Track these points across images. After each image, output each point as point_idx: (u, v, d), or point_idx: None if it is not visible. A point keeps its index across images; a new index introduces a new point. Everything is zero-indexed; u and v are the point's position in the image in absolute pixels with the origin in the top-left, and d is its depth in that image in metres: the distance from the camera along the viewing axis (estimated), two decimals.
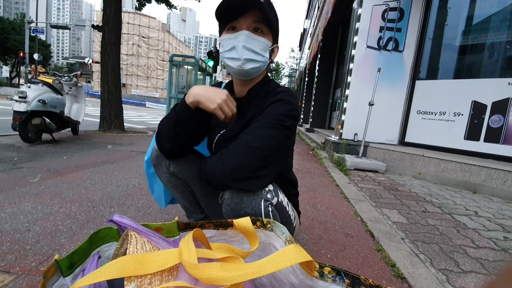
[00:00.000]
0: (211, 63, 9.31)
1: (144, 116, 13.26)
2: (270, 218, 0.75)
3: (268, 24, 0.81)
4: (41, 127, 3.41)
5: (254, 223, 0.53)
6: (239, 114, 0.87)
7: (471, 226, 1.82)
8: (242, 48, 0.78)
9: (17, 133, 3.29)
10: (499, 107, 3.15)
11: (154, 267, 0.37)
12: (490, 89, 3.24)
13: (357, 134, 4.03)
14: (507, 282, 0.15)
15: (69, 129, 4.30)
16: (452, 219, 1.95)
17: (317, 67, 8.77)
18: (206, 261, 0.39)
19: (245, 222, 0.51)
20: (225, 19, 0.82)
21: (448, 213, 2.06)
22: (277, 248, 0.49)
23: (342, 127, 4.12)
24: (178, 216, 1.53)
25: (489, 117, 3.22)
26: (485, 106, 3.25)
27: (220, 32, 0.87)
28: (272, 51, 0.88)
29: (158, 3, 6.77)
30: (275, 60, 0.93)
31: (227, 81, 1.06)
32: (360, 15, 3.94)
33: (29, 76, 18.00)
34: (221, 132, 0.90)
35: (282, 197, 0.84)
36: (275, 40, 0.87)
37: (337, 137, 4.18)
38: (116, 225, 0.50)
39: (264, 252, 0.51)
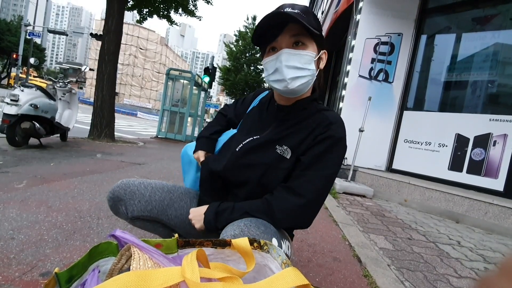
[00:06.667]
0: (207, 79, 9.45)
1: (135, 126, 13.14)
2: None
3: (309, 33, 0.74)
4: (30, 132, 3.34)
5: (251, 243, 0.55)
6: (279, 121, 0.82)
7: (454, 256, 1.87)
8: (285, 68, 0.73)
9: (4, 135, 3.21)
10: (481, 141, 3.32)
11: (156, 284, 0.38)
12: (472, 124, 3.42)
13: (346, 158, 4.11)
14: (503, 278, 0.17)
15: (58, 135, 4.22)
16: (436, 247, 1.99)
17: None
18: (206, 280, 0.41)
19: (243, 242, 0.52)
20: (263, 42, 0.78)
21: (432, 242, 2.11)
22: (272, 270, 0.51)
23: None
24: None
25: (472, 150, 3.37)
26: (468, 139, 3.42)
27: (262, 56, 0.82)
28: (320, 59, 0.80)
29: (160, 19, 6.93)
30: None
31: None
32: (353, 46, 4.16)
33: (19, 78, 17.72)
34: (254, 137, 0.82)
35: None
36: (320, 46, 0.78)
37: None
38: (116, 240, 0.51)
39: (259, 274, 0.53)
